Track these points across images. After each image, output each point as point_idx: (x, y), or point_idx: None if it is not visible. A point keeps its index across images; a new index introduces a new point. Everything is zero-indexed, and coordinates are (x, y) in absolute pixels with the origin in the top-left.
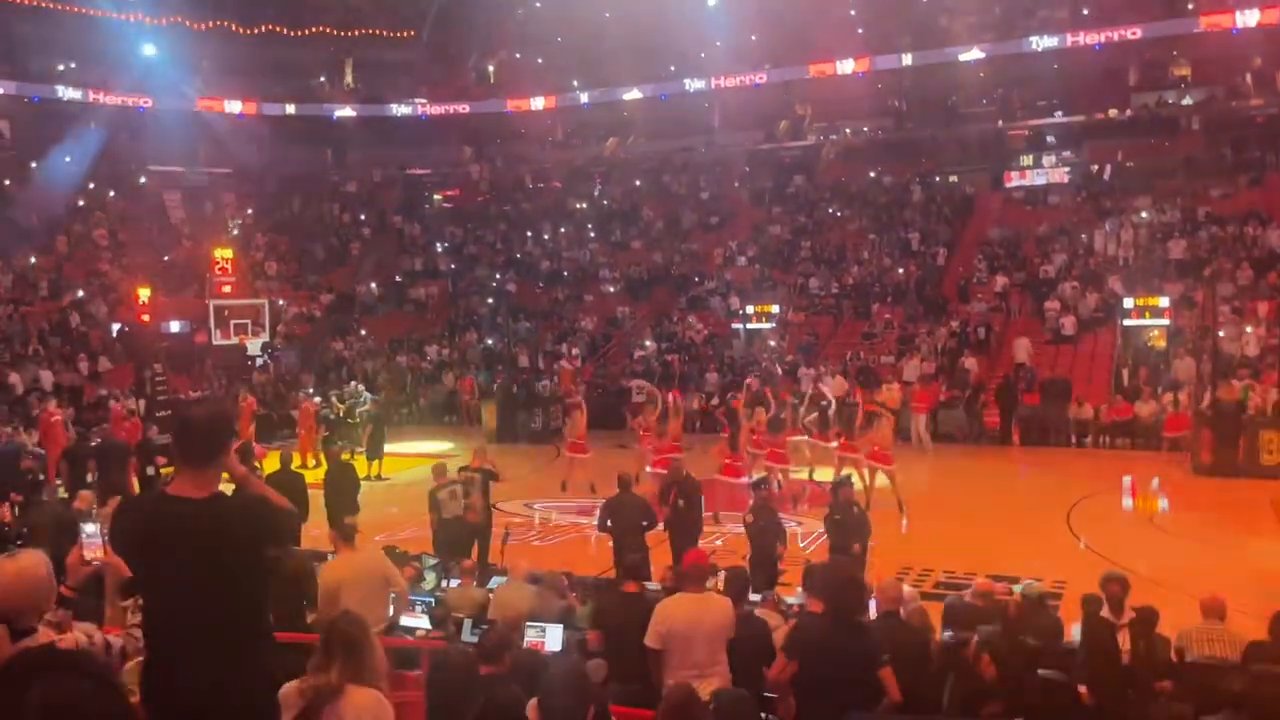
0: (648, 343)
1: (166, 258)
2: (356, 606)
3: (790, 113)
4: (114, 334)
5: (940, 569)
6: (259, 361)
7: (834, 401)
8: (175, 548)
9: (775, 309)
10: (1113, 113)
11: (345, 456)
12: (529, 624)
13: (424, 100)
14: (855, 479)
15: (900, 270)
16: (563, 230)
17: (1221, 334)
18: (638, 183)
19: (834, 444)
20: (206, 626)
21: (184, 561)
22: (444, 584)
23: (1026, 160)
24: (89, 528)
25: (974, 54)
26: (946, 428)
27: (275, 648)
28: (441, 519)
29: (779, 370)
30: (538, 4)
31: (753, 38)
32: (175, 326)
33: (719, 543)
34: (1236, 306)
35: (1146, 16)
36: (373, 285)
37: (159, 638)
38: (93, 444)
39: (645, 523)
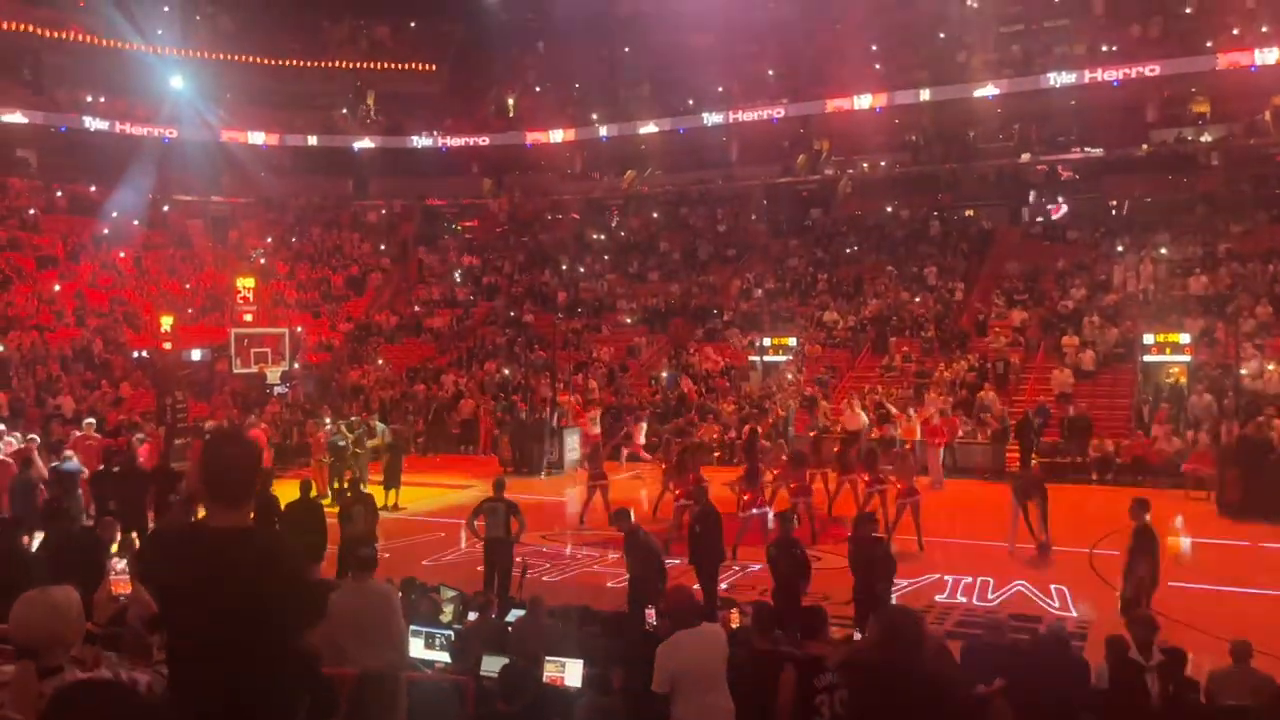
0: (663, 373)
1: (189, 285)
2: (356, 640)
3: (808, 147)
4: (136, 361)
5: (961, 606)
6: (277, 390)
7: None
8: (205, 582)
9: (792, 341)
10: (1144, 148)
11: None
12: (548, 659)
13: (444, 132)
14: (876, 514)
15: (918, 304)
16: (580, 262)
17: (1244, 371)
18: (655, 215)
19: (854, 478)
20: (234, 661)
21: (213, 596)
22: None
23: (1045, 195)
24: (119, 564)
25: (992, 90)
26: (966, 463)
27: (311, 682)
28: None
29: (795, 404)
30: (558, 39)
31: (770, 72)
32: (197, 354)
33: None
34: (1258, 344)
35: (1165, 54)
36: (391, 314)
37: (185, 672)
38: (114, 471)
39: (657, 561)
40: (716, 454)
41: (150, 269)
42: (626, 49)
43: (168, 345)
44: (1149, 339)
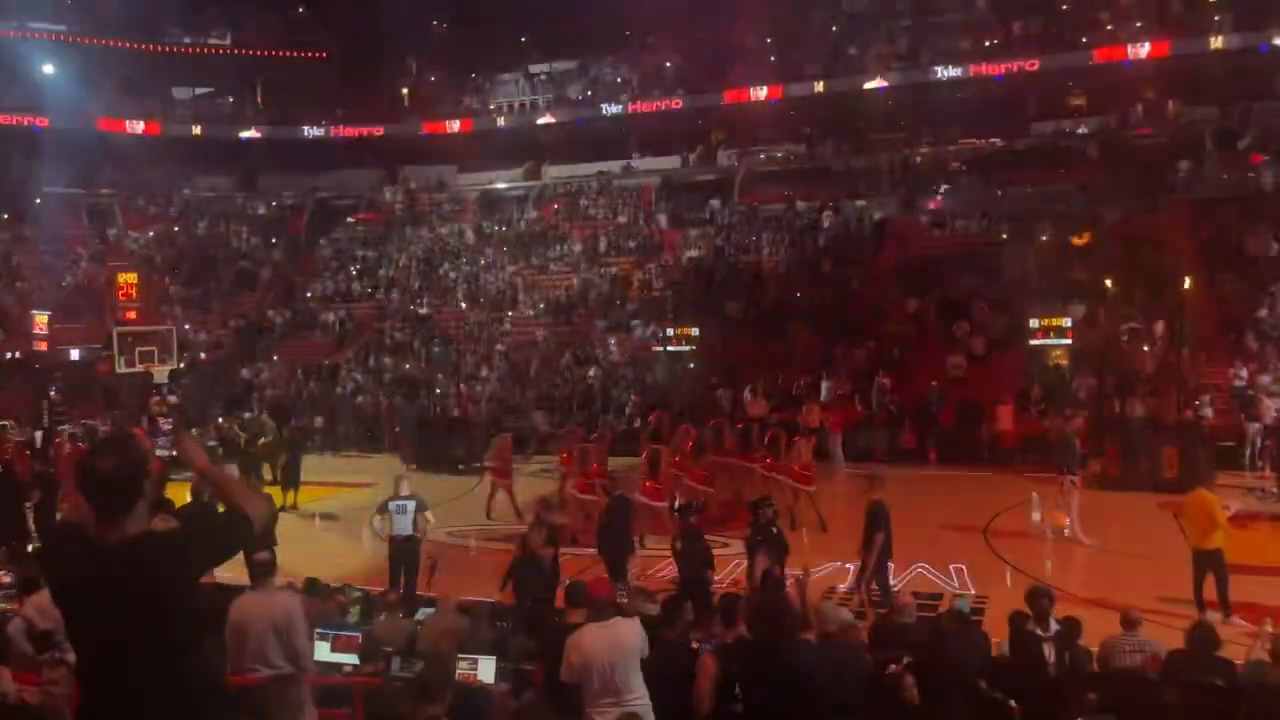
0: (567, 371)
1: (65, 283)
2: (261, 649)
3: (705, 138)
4: (8, 362)
5: (863, 585)
6: (164, 390)
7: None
8: (95, 595)
9: (695, 331)
10: (1026, 141)
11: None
12: (459, 657)
13: (336, 123)
14: (776, 499)
15: (815, 293)
16: (480, 255)
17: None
18: (555, 206)
19: (757, 465)
20: (135, 674)
21: (105, 609)
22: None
23: (934, 186)
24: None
25: (882, 82)
26: (865, 446)
27: (214, 692)
28: None
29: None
30: (451, 27)
31: (667, 64)
32: (75, 354)
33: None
34: (1134, 327)
35: (1044, 50)
36: (284, 310)
37: (90, 688)
38: None
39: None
40: (622, 444)
41: (22, 265)
42: (524, 38)
43: (42, 345)
44: (1034, 323)
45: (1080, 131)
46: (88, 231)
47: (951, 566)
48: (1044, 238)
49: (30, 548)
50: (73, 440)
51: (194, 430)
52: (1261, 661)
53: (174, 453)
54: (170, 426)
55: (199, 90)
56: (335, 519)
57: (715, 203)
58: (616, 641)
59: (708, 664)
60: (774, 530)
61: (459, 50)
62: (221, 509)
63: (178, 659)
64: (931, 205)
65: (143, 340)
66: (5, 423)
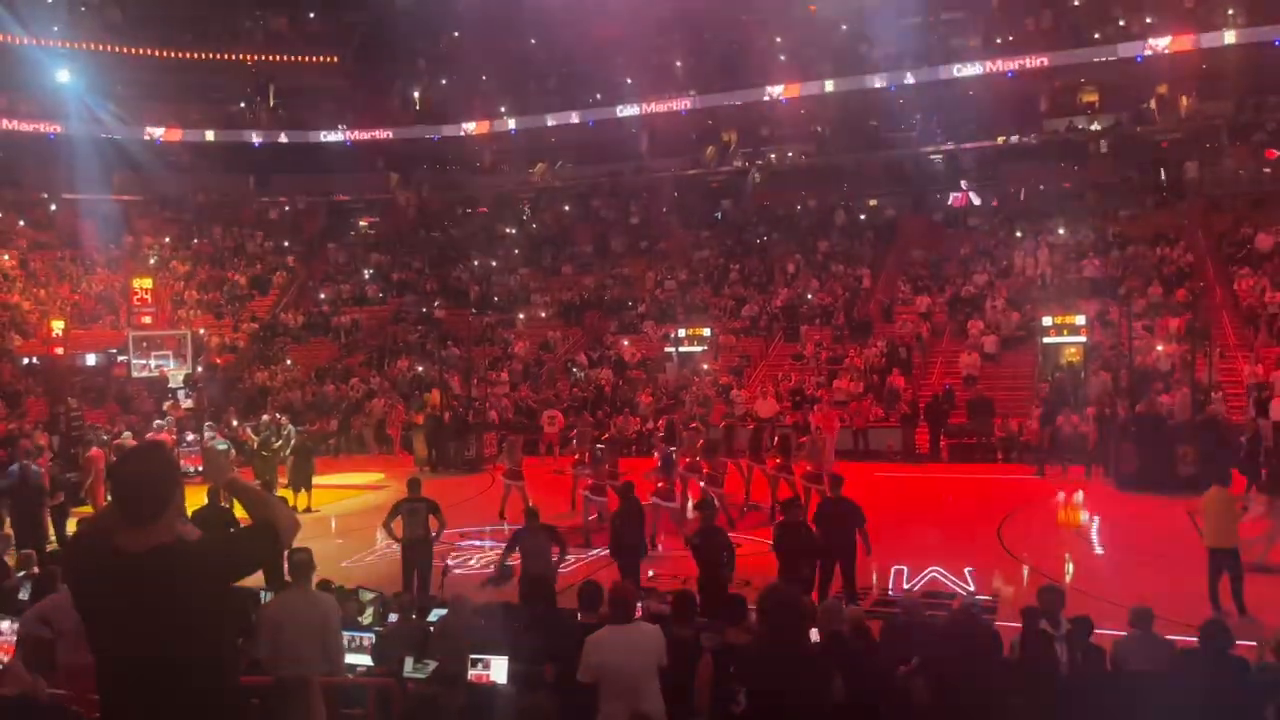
0: (575, 370)
1: (81, 288)
2: (296, 648)
3: (716, 139)
4: (25, 368)
5: (877, 586)
6: (180, 393)
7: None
8: (117, 602)
9: (707, 332)
10: (1036, 137)
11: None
12: (473, 656)
13: (348, 126)
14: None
15: (826, 292)
16: (492, 257)
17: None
18: (567, 208)
19: (771, 465)
20: (155, 681)
21: (125, 616)
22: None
23: (945, 183)
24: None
25: (893, 81)
26: (878, 445)
27: (233, 698)
28: None
29: (711, 395)
30: (464, 31)
31: (678, 64)
32: (91, 359)
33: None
34: (1147, 324)
35: (1055, 45)
36: (297, 313)
37: (111, 694)
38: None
39: (555, 555)
40: (634, 445)
41: (39, 271)
42: (533, 41)
43: (59, 350)
44: (1047, 321)
45: (1093, 127)
46: (103, 237)
47: (964, 565)
48: (1060, 230)
49: (50, 551)
50: (92, 445)
51: (206, 433)
52: (1273, 662)
53: (200, 468)
54: (194, 436)
55: (212, 96)
56: (348, 521)
57: (727, 203)
58: (635, 645)
59: (706, 663)
60: (804, 531)
61: (469, 53)
62: (243, 518)
63: (199, 667)
64: (943, 203)
65: (158, 344)
66: (26, 428)
